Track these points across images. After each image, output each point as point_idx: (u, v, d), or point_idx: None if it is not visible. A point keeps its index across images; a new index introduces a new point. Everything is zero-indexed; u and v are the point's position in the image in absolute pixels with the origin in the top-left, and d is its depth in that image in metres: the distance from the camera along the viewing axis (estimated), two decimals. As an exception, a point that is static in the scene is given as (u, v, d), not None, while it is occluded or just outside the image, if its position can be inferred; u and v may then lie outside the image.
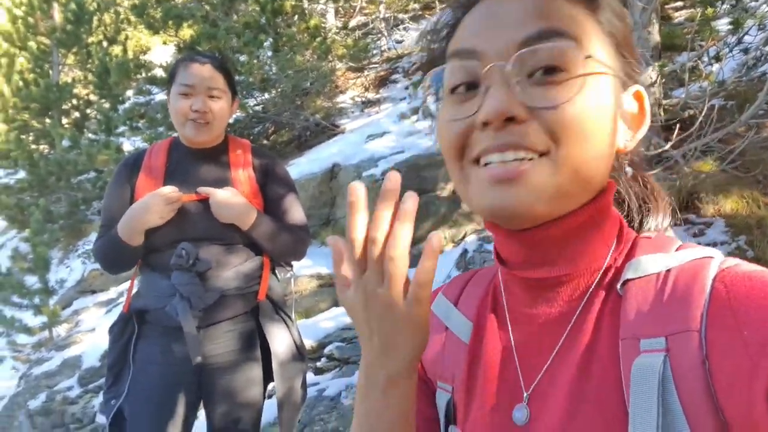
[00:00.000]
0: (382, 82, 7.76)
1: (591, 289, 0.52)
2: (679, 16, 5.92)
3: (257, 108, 7.15)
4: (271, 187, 1.83)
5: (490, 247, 4.18)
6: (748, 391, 0.40)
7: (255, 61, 6.72)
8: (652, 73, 4.16)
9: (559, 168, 0.48)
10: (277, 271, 1.97)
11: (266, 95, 7.14)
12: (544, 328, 0.54)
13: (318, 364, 3.69)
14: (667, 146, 3.53)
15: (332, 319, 4.06)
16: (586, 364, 0.49)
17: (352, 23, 8.18)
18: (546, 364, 0.53)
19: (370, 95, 7.58)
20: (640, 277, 0.49)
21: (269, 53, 7.10)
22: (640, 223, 0.61)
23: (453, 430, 0.59)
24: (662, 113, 4.30)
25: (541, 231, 0.51)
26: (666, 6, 6.02)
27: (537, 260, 0.54)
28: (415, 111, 6.16)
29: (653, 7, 4.04)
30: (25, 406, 4.50)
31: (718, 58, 4.20)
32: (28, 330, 5.79)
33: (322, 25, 7.44)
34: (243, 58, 6.65)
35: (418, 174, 4.56)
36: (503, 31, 0.49)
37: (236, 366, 1.74)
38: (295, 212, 1.85)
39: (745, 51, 4.51)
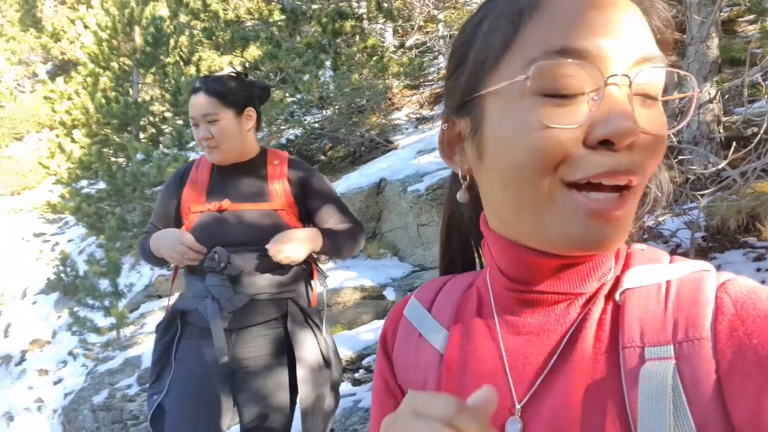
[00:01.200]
0: (437, 99, 7.81)
1: (587, 302, 0.51)
2: (743, 30, 5.62)
3: (315, 125, 7.38)
4: (311, 202, 1.88)
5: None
6: (758, 400, 0.40)
7: (315, 79, 6.95)
8: (711, 89, 3.99)
9: (635, 203, 0.47)
10: (312, 284, 2.00)
11: (324, 112, 7.34)
12: (538, 338, 0.52)
13: (356, 375, 3.73)
14: (723, 164, 3.37)
15: (373, 331, 4.10)
16: (584, 375, 0.48)
17: (410, 42, 8.30)
18: (541, 376, 0.51)
19: (425, 112, 7.64)
20: (639, 287, 0.49)
21: (329, 72, 7.32)
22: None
23: None
24: (722, 130, 4.10)
25: (582, 257, 0.49)
26: (731, 20, 5.73)
27: (550, 279, 0.51)
28: (466, 127, 6.14)
29: (712, 20, 3.89)
30: (90, 400, 4.83)
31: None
32: (97, 330, 6.21)
33: (380, 44, 7.60)
34: (305, 77, 6.88)
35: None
36: (627, 39, 0.44)
37: (267, 370, 1.78)
38: (339, 216, 1.88)
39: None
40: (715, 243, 3.87)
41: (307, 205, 1.88)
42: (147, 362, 5.06)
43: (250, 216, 1.81)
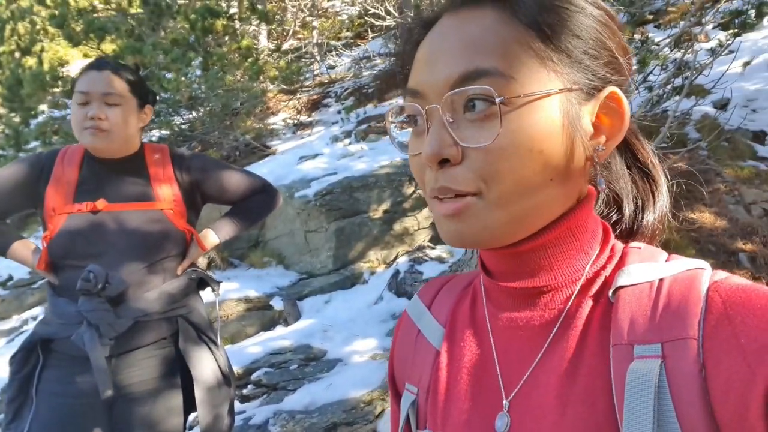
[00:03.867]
0: (315, 105, 7.76)
1: (573, 297, 0.52)
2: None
3: (183, 126, 6.92)
4: (207, 187, 1.77)
5: (422, 268, 4.23)
6: (744, 398, 0.40)
7: (183, 78, 6.52)
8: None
9: (493, 207, 0.49)
10: (202, 293, 1.86)
11: (194, 114, 6.93)
12: (525, 335, 0.54)
13: (244, 391, 3.53)
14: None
15: (260, 344, 3.91)
16: (572, 371, 0.49)
17: (285, 46, 8.16)
18: (527, 372, 0.52)
19: (303, 118, 7.55)
20: (632, 285, 0.49)
21: (198, 72, 6.93)
22: (635, 220, 0.60)
23: None
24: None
25: (513, 248, 0.52)
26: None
27: (516, 272, 0.54)
28: (347, 134, 6.19)
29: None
30: None
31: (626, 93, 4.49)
32: None
33: (254, 46, 7.36)
34: (169, 75, 6.43)
35: (351, 195, 4.55)
36: (438, 70, 0.50)
37: (155, 395, 1.61)
38: (238, 182, 1.83)
39: (650, 89, 4.89)
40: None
41: (205, 192, 1.77)
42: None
43: (132, 219, 1.61)
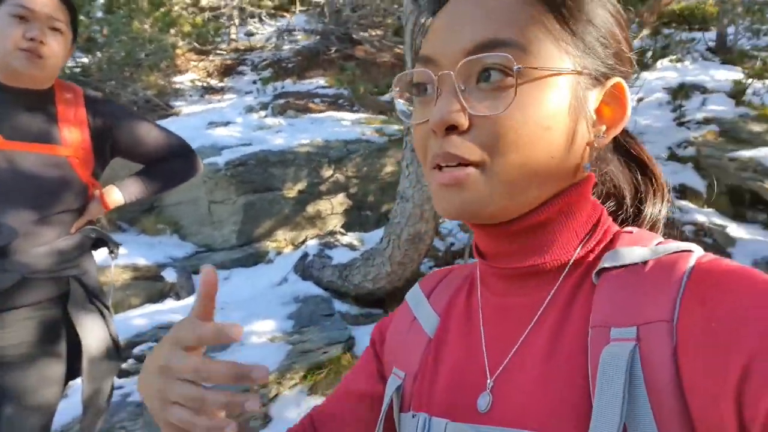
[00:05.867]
0: (228, 71, 7.34)
1: (561, 279, 0.53)
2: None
3: (76, 69, 6.21)
4: (120, 134, 1.61)
5: (331, 253, 4.12)
6: (714, 387, 0.39)
7: (82, 17, 5.85)
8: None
9: (493, 180, 0.49)
10: (95, 253, 1.70)
11: (90, 57, 6.25)
12: (514, 317, 0.54)
13: (124, 365, 3.24)
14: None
15: (146, 316, 3.60)
16: (552, 352, 0.49)
17: (203, 2, 7.62)
18: (511, 352, 0.53)
19: (213, 82, 7.10)
20: (615, 267, 0.49)
21: (100, 13, 6.28)
22: (638, 211, 0.61)
23: (414, 414, 0.58)
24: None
25: (506, 226, 0.52)
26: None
27: (508, 252, 0.55)
28: (264, 106, 5.90)
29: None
30: None
31: None
32: None
33: (169, -5, 6.79)
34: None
35: (267, 169, 4.32)
36: (455, 38, 0.50)
37: (31, 361, 1.47)
38: (156, 139, 1.67)
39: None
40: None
41: (117, 142, 1.61)
42: None
43: (30, 162, 1.44)
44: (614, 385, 0.42)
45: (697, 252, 0.48)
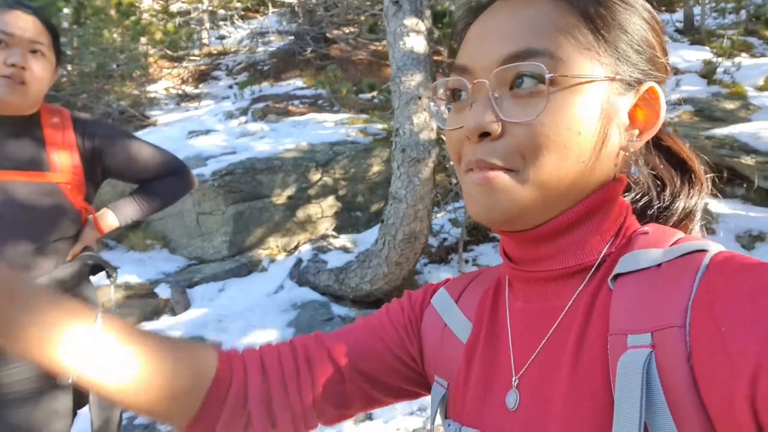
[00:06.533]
0: (203, 76, 7.22)
1: (582, 285, 0.53)
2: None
3: (47, 84, 6.04)
4: (111, 155, 1.57)
5: (325, 257, 4.11)
6: (729, 390, 0.39)
7: (48, 29, 5.68)
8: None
9: (527, 185, 0.50)
10: (93, 277, 1.66)
11: (60, 71, 6.08)
12: (536, 323, 0.55)
13: (125, 387, 3.18)
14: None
15: (143, 334, 3.54)
16: (575, 358, 0.50)
17: (173, 8, 7.47)
18: (533, 354, 0.54)
19: (188, 89, 6.98)
20: (631, 272, 0.50)
21: (66, 24, 6.11)
22: (667, 207, 0.61)
23: (450, 423, 0.60)
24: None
25: (536, 231, 0.53)
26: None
27: (535, 257, 0.55)
28: (243, 111, 5.83)
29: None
30: None
31: None
32: None
33: (136, 3, 6.64)
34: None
35: (254, 177, 4.28)
36: (489, 48, 0.52)
37: (38, 396, 1.42)
38: (148, 158, 1.63)
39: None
40: (471, 237, 4.45)
41: (108, 164, 1.57)
42: None
43: (21, 191, 1.39)
44: (632, 393, 0.43)
45: (711, 251, 0.47)
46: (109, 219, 1.59)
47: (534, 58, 0.49)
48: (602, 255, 0.53)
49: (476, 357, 0.59)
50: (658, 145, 0.62)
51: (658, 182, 0.62)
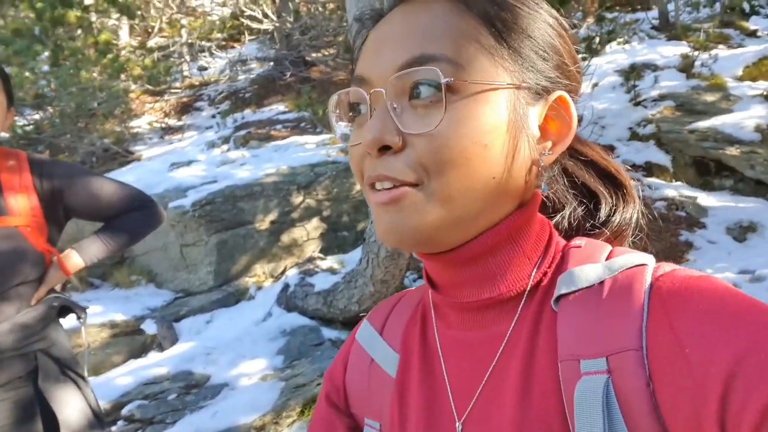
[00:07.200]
0: (185, 108, 7.25)
1: (520, 309, 0.50)
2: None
3: (28, 128, 6.05)
4: (71, 195, 1.54)
5: (312, 280, 4.06)
6: (696, 415, 0.38)
7: (27, 74, 5.71)
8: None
9: (433, 200, 0.46)
10: (62, 321, 1.62)
11: (40, 114, 6.10)
12: (476, 352, 0.51)
13: (113, 429, 3.12)
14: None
15: (130, 374, 3.48)
16: (525, 388, 0.46)
17: (150, 44, 7.53)
18: (477, 390, 0.50)
19: (171, 121, 7.00)
20: (573, 292, 0.47)
21: (46, 67, 6.15)
22: (604, 222, 0.58)
23: None
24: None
25: (455, 254, 0.50)
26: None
27: (460, 281, 0.52)
28: (225, 140, 5.83)
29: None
30: None
31: None
32: None
33: (114, 41, 6.69)
34: (9, 69, 5.61)
35: (235, 205, 4.25)
36: (385, 57, 0.49)
37: (13, 428, 1.41)
38: (111, 194, 1.60)
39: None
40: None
41: (70, 203, 1.54)
42: None
43: None
44: (593, 423, 0.41)
45: (650, 264, 0.46)
46: (74, 259, 1.56)
47: (430, 64, 0.46)
48: (532, 276, 0.51)
49: (410, 394, 0.55)
50: (584, 159, 0.60)
51: (591, 196, 0.59)
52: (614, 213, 0.58)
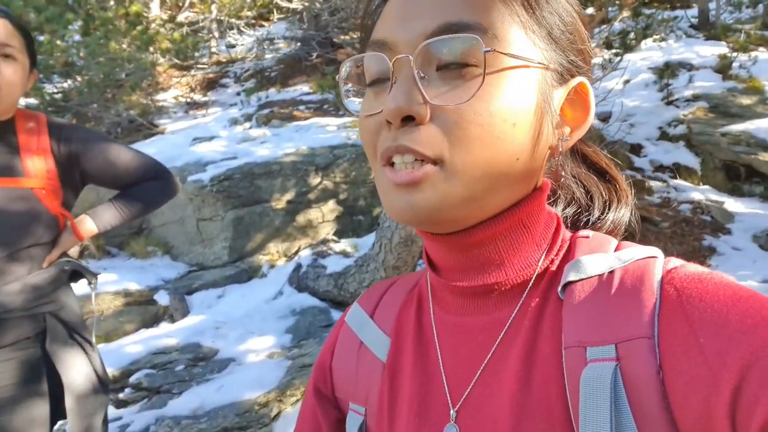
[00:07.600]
0: (211, 84, 7.29)
1: (524, 295, 0.49)
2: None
3: (57, 95, 6.14)
4: (88, 160, 1.54)
5: (325, 262, 4.06)
6: (707, 404, 0.37)
7: (58, 42, 5.78)
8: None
9: (454, 179, 0.44)
10: (74, 286, 1.64)
11: (69, 82, 6.19)
12: (474, 338, 0.50)
13: (121, 395, 3.18)
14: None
15: (141, 342, 3.54)
16: (526, 374, 0.45)
17: (180, 18, 7.56)
18: (474, 377, 0.48)
19: (197, 97, 7.05)
20: (581, 280, 0.46)
21: (77, 36, 6.22)
22: (598, 218, 0.58)
23: None
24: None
25: (464, 236, 0.48)
26: None
27: (464, 266, 0.50)
28: (248, 118, 5.84)
29: None
30: None
31: None
32: None
33: (144, 13, 6.73)
34: (42, 37, 5.69)
35: (253, 182, 4.26)
36: (415, 22, 0.46)
37: (15, 403, 1.42)
38: (128, 162, 1.60)
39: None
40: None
41: (86, 169, 1.55)
42: None
43: None
44: (600, 411, 0.40)
45: (660, 257, 0.46)
46: (88, 225, 1.57)
47: (467, 32, 0.44)
48: (539, 264, 0.49)
49: (402, 379, 0.53)
50: (575, 152, 0.59)
51: (586, 192, 0.58)
52: (608, 210, 0.57)
